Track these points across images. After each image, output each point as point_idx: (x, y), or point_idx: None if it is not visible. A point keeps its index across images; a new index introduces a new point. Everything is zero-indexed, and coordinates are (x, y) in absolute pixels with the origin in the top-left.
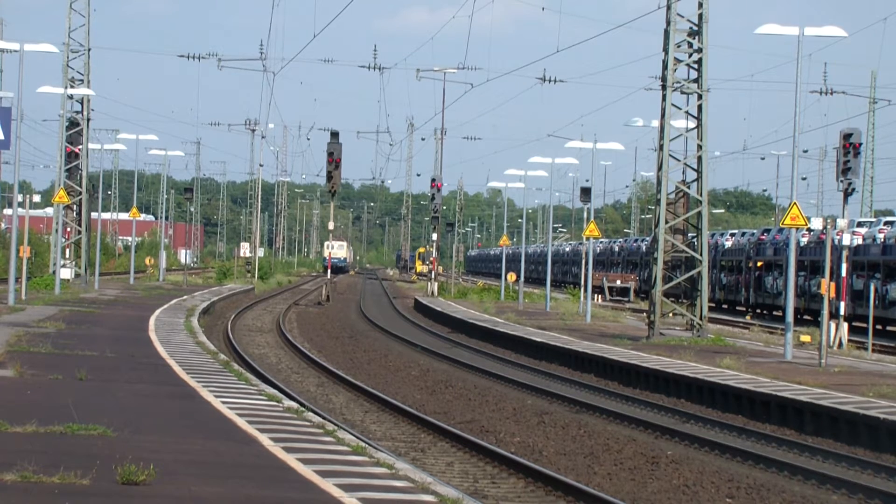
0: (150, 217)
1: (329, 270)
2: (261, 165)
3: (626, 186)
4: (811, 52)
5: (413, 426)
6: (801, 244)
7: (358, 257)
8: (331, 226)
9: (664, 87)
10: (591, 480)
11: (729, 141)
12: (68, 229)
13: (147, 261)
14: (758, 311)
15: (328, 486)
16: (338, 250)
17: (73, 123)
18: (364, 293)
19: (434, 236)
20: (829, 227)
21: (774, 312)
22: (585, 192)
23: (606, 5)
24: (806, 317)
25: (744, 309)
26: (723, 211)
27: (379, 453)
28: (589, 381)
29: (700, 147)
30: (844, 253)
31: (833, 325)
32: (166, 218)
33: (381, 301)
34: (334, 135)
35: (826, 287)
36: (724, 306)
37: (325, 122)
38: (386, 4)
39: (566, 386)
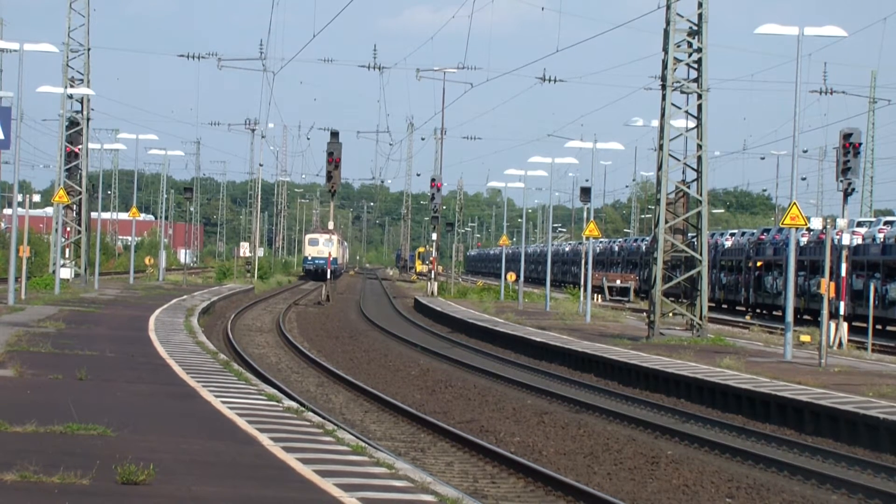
0: (150, 217)
1: (325, 273)
2: (261, 165)
3: (626, 186)
4: (811, 52)
5: (413, 426)
6: (801, 244)
7: (358, 257)
8: (330, 225)
9: (664, 87)
10: (591, 480)
11: (729, 141)
12: (68, 229)
13: (147, 260)
14: (758, 310)
15: (328, 485)
16: (325, 246)
17: (73, 123)
18: (364, 293)
19: (434, 236)
20: (828, 226)
21: (774, 312)
22: (585, 192)
23: (606, 5)
24: (806, 317)
25: (744, 309)
26: (723, 211)
27: (379, 453)
28: (589, 381)
29: (700, 147)
30: (844, 253)
31: (833, 325)
32: (166, 218)
33: (381, 301)
34: (334, 135)
35: (826, 287)
36: (724, 306)
37: (324, 121)
38: (387, 4)
39: (566, 386)
